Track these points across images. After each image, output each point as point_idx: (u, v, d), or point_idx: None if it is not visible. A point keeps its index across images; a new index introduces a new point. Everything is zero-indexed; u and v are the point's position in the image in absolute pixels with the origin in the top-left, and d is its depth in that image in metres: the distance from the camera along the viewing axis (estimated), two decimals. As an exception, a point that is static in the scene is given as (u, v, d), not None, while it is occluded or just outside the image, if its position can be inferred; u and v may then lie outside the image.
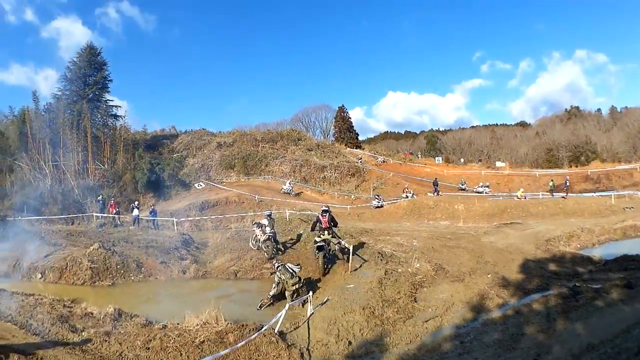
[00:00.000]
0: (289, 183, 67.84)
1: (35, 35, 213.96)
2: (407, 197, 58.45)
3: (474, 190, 66.03)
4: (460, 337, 13.39)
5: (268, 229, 28.02)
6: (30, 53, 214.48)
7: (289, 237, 30.62)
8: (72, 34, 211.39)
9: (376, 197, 60.16)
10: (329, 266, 23.42)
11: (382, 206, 55.41)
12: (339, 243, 24.16)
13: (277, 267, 19.78)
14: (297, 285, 19.09)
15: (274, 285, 19.83)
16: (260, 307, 19.51)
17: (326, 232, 23.57)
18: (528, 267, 20.31)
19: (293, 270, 19.61)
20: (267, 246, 27.45)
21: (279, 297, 19.66)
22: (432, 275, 20.04)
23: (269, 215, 29.33)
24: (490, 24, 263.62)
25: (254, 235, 29.23)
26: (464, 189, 66.65)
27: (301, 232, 30.66)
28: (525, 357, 10.88)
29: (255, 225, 29.61)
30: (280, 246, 28.43)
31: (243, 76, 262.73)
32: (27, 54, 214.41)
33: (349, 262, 23.13)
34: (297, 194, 65.85)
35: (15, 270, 26.53)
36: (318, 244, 23.38)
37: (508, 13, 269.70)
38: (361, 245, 26.42)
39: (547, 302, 14.80)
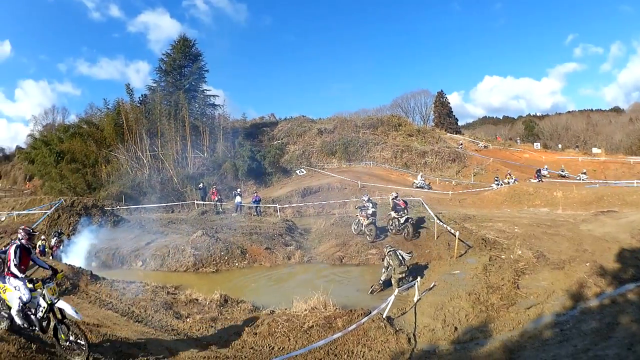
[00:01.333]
0: (421, 177, 63.20)
1: (122, 30, 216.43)
2: (509, 182, 57.24)
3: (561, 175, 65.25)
4: (560, 324, 13.49)
5: (371, 210, 28.79)
6: (119, 47, 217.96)
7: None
8: (160, 27, 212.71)
9: (495, 178, 59.92)
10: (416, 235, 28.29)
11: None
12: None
13: (388, 252, 20.13)
14: (403, 274, 19.41)
15: (383, 270, 20.23)
16: (372, 292, 20.21)
17: (406, 211, 28.97)
18: (623, 256, 19.93)
19: (403, 258, 19.91)
20: (370, 230, 28.23)
21: (390, 282, 20.07)
22: (533, 262, 20.13)
23: (369, 199, 30.03)
24: (579, 3, 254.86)
25: (357, 220, 29.75)
26: (563, 176, 64.61)
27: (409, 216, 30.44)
28: (620, 346, 10.95)
29: (359, 209, 30.10)
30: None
31: (341, 62, 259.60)
32: (115, 48, 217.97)
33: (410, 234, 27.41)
34: (430, 187, 60.99)
35: (115, 258, 27.63)
36: (405, 217, 28.52)
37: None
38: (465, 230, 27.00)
39: (640, 293, 14.64)
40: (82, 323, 12.99)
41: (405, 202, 29.81)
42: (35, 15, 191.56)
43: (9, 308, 11.56)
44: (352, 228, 30.21)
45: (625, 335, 11.65)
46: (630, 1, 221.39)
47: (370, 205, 29.35)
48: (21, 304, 11.31)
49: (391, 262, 19.70)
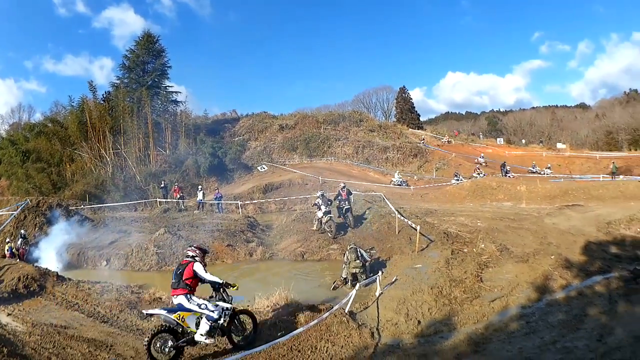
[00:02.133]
0: (398, 174, 62.57)
1: (87, 26, 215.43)
2: (477, 176, 57.36)
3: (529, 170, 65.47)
4: (526, 317, 13.40)
5: (323, 207, 28.90)
6: (84, 44, 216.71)
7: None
8: (124, 22, 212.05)
9: (456, 174, 59.94)
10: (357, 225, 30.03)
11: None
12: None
13: (350, 248, 20.21)
14: (357, 270, 19.46)
15: (344, 265, 20.31)
16: (334, 288, 20.14)
17: (347, 202, 30.58)
18: (590, 249, 20.08)
19: (361, 255, 19.96)
20: (330, 226, 28.28)
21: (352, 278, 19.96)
22: (497, 255, 20.02)
23: (322, 195, 29.95)
24: (548, 2, 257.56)
25: (316, 217, 29.80)
26: (534, 172, 64.40)
27: (366, 212, 31.67)
28: (589, 337, 10.92)
29: (315, 206, 30.24)
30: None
31: (303, 58, 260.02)
32: (80, 44, 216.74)
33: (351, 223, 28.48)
34: (408, 185, 59.17)
35: (80, 258, 27.60)
36: (345, 207, 30.27)
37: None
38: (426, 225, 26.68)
39: (609, 285, 14.74)
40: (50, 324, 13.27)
41: (348, 192, 31.26)
42: (3, 11, 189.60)
43: (188, 333, 12.23)
44: (314, 225, 30.23)
45: (595, 326, 11.61)
46: (602, 1, 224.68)
47: (320, 201, 29.51)
48: (212, 322, 12.14)
49: (348, 256, 19.80)
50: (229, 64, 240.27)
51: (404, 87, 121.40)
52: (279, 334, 13.50)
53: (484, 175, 57.88)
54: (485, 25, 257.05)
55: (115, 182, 61.81)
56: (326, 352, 12.61)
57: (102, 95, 77.40)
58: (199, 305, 12.18)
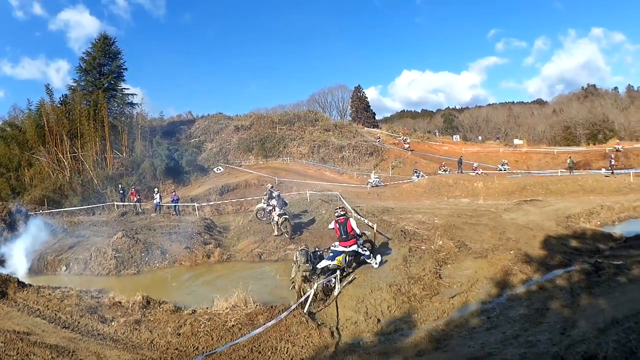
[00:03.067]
0: (374, 174, 63.30)
1: (43, 28, 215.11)
2: (444, 172, 58.96)
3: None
4: (486, 312, 13.42)
5: (278, 209, 28.89)
6: (40, 46, 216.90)
7: (310, 218, 31.39)
8: (80, 24, 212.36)
9: (415, 171, 60.70)
10: None
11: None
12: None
13: (300, 249, 19.98)
14: (307, 273, 19.07)
15: (292, 265, 20.12)
16: (293, 287, 19.92)
17: (275, 200, 30.69)
18: (550, 243, 20.28)
19: (311, 257, 19.69)
20: (286, 227, 28.19)
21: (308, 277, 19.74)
22: (455, 252, 19.96)
23: (278, 196, 30.02)
24: (503, 0, 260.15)
25: (273, 220, 29.51)
26: (503, 170, 64.10)
27: (323, 212, 31.67)
28: (552, 331, 10.85)
29: (270, 207, 30.60)
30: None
31: (258, 59, 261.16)
32: (37, 47, 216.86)
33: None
34: (385, 185, 60.04)
35: (40, 264, 27.03)
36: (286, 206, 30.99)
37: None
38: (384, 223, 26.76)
39: (570, 278, 14.80)
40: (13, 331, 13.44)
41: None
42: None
43: (344, 269, 18.25)
44: (274, 231, 29.44)
45: (557, 320, 11.58)
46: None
47: (275, 202, 29.50)
48: (364, 255, 18.66)
49: (299, 258, 19.54)
50: (184, 65, 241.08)
51: (359, 86, 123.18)
52: (239, 336, 13.42)
53: (449, 172, 58.38)
54: (441, 23, 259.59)
55: (73, 187, 61.08)
56: (287, 352, 12.59)
57: (60, 98, 75.86)
58: (363, 247, 18.68)
